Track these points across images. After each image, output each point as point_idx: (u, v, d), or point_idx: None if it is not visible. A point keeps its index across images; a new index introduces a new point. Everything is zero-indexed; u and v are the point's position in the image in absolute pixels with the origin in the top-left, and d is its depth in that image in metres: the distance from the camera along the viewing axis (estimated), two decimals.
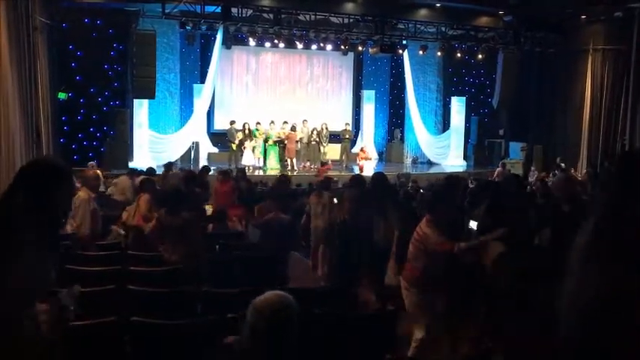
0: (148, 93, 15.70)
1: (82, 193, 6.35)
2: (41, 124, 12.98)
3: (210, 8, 15.29)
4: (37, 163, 2.44)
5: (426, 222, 4.69)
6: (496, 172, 16.19)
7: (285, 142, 17.42)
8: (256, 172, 16.55)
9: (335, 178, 14.34)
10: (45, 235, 2.25)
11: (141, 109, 16.57)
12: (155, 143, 16.80)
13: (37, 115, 12.68)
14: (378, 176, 6.33)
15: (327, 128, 18.14)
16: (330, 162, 17.43)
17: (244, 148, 16.74)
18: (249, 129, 17.04)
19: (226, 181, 9.58)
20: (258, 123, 17.42)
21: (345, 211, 4.94)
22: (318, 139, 17.75)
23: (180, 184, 7.51)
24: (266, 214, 7.00)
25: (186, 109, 18.24)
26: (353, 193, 4.95)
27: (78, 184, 9.88)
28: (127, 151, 15.95)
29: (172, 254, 5.33)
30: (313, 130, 17.87)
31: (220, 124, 19.26)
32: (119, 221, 7.28)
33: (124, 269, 5.32)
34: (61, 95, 15.27)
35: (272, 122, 17.71)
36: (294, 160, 17.52)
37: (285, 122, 17.85)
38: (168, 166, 12.70)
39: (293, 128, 17.62)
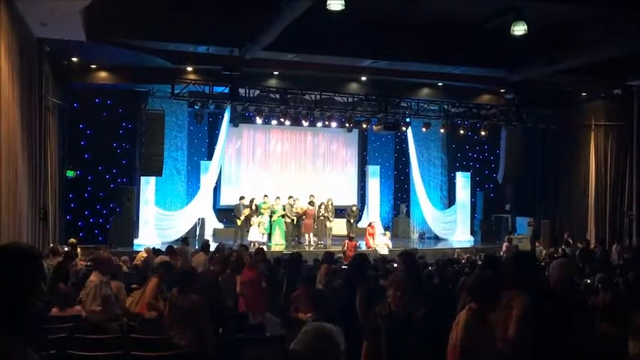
0: (156, 171, 15.84)
1: (94, 277, 6.19)
2: (48, 202, 13.05)
3: (218, 89, 15.65)
4: (3, 250, 2.26)
5: (468, 312, 3.72)
6: (504, 248, 16.01)
7: (303, 217, 17.45)
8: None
9: (339, 254, 14.18)
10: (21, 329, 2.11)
11: (148, 186, 16.67)
12: (161, 220, 16.78)
13: (45, 193, 12.77)
14: (409, 254, 6.15)
15: (332, 203, 18.15)
16: (354, 239, 16.96)
17: (251, 224, 16.68)
18: (255, 204, 17.07)
19: (252, 268, 8.59)
20: (265, 196, 17.45)
21: (393, 300, 4.25)
22: (325, 215, 17.74)
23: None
24: (302, 304, 6.54)
25: (193, 186, 18.35)
26: (402, 279, 4.36)
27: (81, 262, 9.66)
28: (133, 228, 15.92)
29: (181, 338, 5.18)
30: (321, 204, 17.89)
31: (227, 199, 19.33)
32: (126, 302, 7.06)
33: (126, 354, 5.16)
34: (70, 173, 15.44)
35: (278, 197, 17.62)
36: (306, 236, 17.50)
37: (290, 197, 17.87)
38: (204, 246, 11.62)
39: (311, 203, 17.68)
